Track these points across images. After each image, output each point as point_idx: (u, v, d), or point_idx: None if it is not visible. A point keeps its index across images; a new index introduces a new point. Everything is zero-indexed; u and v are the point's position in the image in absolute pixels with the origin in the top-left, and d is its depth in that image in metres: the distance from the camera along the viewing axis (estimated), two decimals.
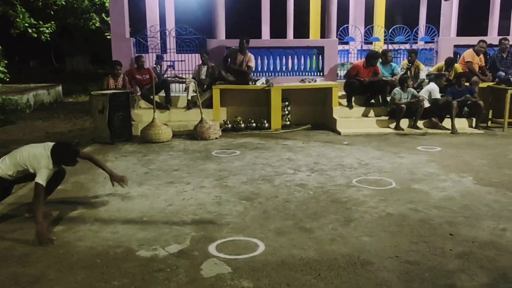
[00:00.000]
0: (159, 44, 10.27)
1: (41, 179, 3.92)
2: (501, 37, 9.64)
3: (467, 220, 4.10)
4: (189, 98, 8.72)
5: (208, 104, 8.79)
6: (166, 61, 10.47)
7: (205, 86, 8.97)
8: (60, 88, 16.27)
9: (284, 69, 9.66)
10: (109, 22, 10.22)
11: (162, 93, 8.87)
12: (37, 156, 4.03)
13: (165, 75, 9.69)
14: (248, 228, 3.98)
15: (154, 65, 9.64)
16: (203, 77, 9.06)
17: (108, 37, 12.29)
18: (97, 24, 16.76)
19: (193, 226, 4.04)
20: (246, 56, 8.91)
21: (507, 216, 4.19)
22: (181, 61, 10.14)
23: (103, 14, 16.30)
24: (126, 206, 4.58)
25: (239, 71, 8.82)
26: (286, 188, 5.11)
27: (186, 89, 8.91)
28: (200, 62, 9.27)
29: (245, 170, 5.92)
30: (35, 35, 13.99)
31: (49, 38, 14.84)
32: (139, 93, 8.95)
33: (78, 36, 24.25)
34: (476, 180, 5.35)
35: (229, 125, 8.78)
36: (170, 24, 12.68)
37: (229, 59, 9.02)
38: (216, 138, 7.99)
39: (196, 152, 7.04)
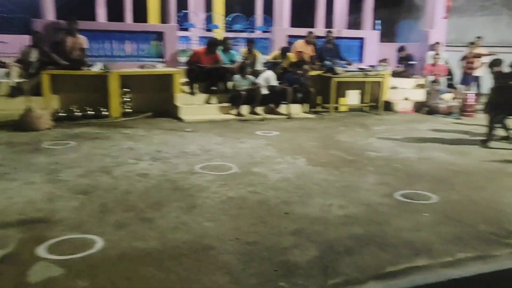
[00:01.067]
0: None
1: None
2: (327, 29, 10.59)
3: (300, 198, 4.41)
4: (13, 84, 7.76)
5: (38, 91, 7.94)
6: None
7: (33, 71, 8.07)
8: None
9: (122, 54, 9.23)
10: None
11: None
12: None
13: None
14: (85, 224, 3.70)
15: None
16: (32, 60, 8.13)
17: None
18: None
19: (20, 227, 3.60)
20: (77, 38, 8.27)
21: (333, 192, 4.61)
22: (3, 42, 8.97)
23: None
24: None
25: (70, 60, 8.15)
26: (127, 178, 4.88)
27: (7, 74, 7.90)
28: (30, 43, 8.30)
29: (81, 162, 5.50)
30: None
31: None
32: None
33: None
34: (308, 161, 5.79)
35: (63, 114, 8.07)
36: None
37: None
38: (47, 128, 7.26)
39: (23, 144, 6.31)
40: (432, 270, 3.08)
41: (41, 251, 3.21)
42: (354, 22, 13.43)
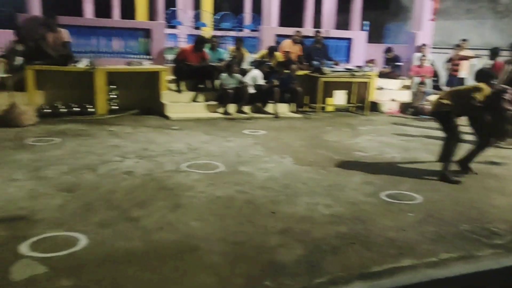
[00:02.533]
0: None
1: None
2: (315, 29, 10.61)
3: (287, 198, 4.41)
4: None
5: (21, 87, 7.82)
6: None
7: (17, 66, 7.95)
8: None
9: (109, 50, 9.14)
10: None
11: None
12: None
13: None
14: (68, 222, 3.65)
15: None
16: (18, 55, 8.00)
17: None
18: None
19: (1, 224, 3.54)
20: (59, 33, 8.17)
21: (319, 192, 4.62)
22: None
23: None
24: None
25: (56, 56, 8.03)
26: (112, 177, 4.83)
27: None
28: (14, 38, 8.16)
29: (65, 159, 5.43)
30: None
31: None
32: None
33: None
34: (295, 160, 5.80)
35: (48, 110, 7.96)
36: None
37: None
38: (31, 125, 7.16)
39: (5, 140, 6.21)
40: (417, 270, 3.11)
41: (23, 248, 3.16)
42: (343, 22, 13.48)
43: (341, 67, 10.10)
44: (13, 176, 4.70)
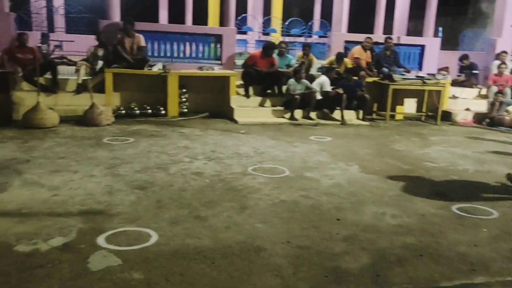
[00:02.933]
0: (45, 22, 9.48)
1: None
2: (386, 36, 10.38)
3: (352, 205, 4.36)
4: (80, 81, 8.17)
5: (100, 89, 8.33)
6: (54, 40, 9.71)
7: (97, 69, 8.48)
8: None
9: (181, 55, 9.48)
10: None
11: (49, 75, 8.20)
12: None
13: (52, 56, 8.98)
14: (141, 218, 3.83)
15: (39, 44, 8.88)
16: (98, 59, 8.53)
17: None
18: None
19: (81, 217, 3.79)
20: (135, 38, 8.59)
21: (386, 201, 4.52)
22: (71, 41, 9.48)
23: None
24: (2, 197, 4.16)
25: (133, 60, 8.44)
26: (182, 176, 5.02)
27: (77, 71, 8.33)
28: (96, 43, 8.71)
29: (139, 158, 5.71)
30: None
31: None
32: (20, 74, 8.17)
33: None
34: (361, 168, 5.71)
35: (123, 111, 8.41)
36: (58, 1, 11.76)
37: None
38: (108, 124, 7.60)
39: (85, 139, 6.63)
40: None
41: (100, 240, 3.36)
42: (415, 29, 13.10)
43: (412, 74, 9.81)
44: (91, 172, 5.01)
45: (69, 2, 9.36)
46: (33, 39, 8.97)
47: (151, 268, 3.01)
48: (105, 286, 2.77)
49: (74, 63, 8.75)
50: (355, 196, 4.63)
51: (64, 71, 8.86)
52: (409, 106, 10.16)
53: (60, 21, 9.57)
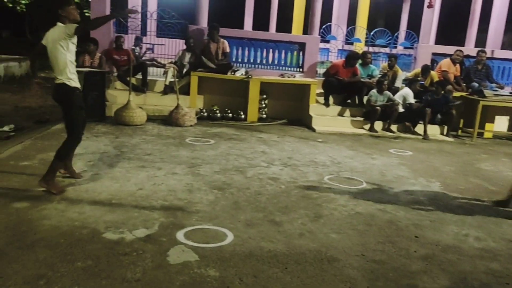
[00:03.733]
0: (140, 26, 10.08)
1: (71, 27, 4.17)
2: (478, 49, 9.85)
3: (432, 223, 4.19)
4: (167, 83, 8.60)
5: (186, 91, 8.70)
6: (146, 43, 10.30)
7: (184, 72, 8.88)
8: None
9: (264, 62, 9.64)
10: None
11: (139, 76, 8.72)
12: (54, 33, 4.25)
13: (144, 58, 9.53)
14: (218, 217, 3.96)
15: (133, 47, 9.46)
16: (185, 63, 8.94)
17: (87, 14, 12.00)
18: (76, 0, 16.27)
19: (163, 211, 4.00)
20: (220, 43, 8.84)
21: (470, 222, 4.30)
22: (161, 44, 10.01)
23: None
24: (95, 187, 4.50)
25: (217, 65, 8.72)
26: (259, 180, 5.11)
27: (165, 73, 8.78)
28: (184, 47, 9.12)
29: (218, 159, 5.90)
30: (11, 5, 13.50)
31: (25, 9, 14.35)
32: (115, 74, 8.77)
33: (55, 10, 23.49)
34: (443, 186, 5.47)
35: (205, 114, 8.72)
36: (152, 6, 12.47)
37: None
38: (191, 125, 7.92)
39: (169, 138, 6.96)
40: None
41: (180, 235, 3.52)
42: (510, 43, 12.31)
43: (506, 91, 9.23)
44: (174, 170, 5.25)
45: (162, 8, 9.85)
46: (128, 41, 9.58)
47: (226, 267, 3.10)
48: (183, 280, 2.90)
49: (163, 65, 9.22)
50: (435, 214, 4.46)
51: (153, 72, 9.37)
52: (500, 124, 9.55)
53: (153, 25, 10.12)
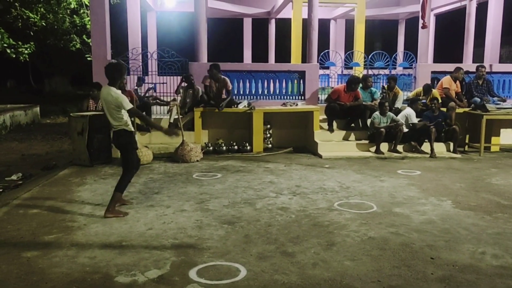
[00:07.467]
0: (141, 67, 10.25)
1: (127, 105, 4.76)
2: (477, 64, 9.90)
3: (447, 243, 4.12)
4: (172, 120, 8.67)
5: (190, 127, 8.77)
6: (148, 83, 10.44)
7: (187, 109, 8.96)
8: (37, 109, 16.07)
9: (266, 92, 9.75)
10: (90, 43, 10.17)
11: None
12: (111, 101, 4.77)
13: (146, 97, 9.65)
14: (230, 252, 3.92)
15: (135, 87, 9.60)
16: (188, 99, 9.03)
17: (89, 58, 12.23)
18: (78, 46, 16.58)
19: (174, 250, 3.97)
20: (221, 81, 8.91)
21: (486, 239, 4.23)
22: (163, 83, 10.14)
23: (84, 36, 16.17)
24: (104, 230, 4.48)
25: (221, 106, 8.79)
26: (268, 211, 5.08)
27: (170, 111, 8.86)
28: (185, 84, 9.22)
29: (226, 193, 5.88)
30: (14, 56, 13.79)
31: (27, 59, 14.65)
32: None
33: (57, 57, 24.02)
34: (455, 203, 5.41)
35: (211, 148, 8.76)
36: (152, 47, 12.71)
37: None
38: (197, 160, 7.94)
39: (177, 175, 6.97)
40: None
41: (192, 274, 3.48)
42: (508, 55, 12.38)
43: (508, 103, 9.22)
44: (183, 207, 5.24)
45: (162, 48, 10.02)
46: (130, 82, 9.72)
47: None
48: None
49: (166, 103, 9.31)
50: (449, 233, 4.39)
51: (157, 111, 9.47)
52: (506, 136, 9.51)
53: (153, 64, 10.28)
